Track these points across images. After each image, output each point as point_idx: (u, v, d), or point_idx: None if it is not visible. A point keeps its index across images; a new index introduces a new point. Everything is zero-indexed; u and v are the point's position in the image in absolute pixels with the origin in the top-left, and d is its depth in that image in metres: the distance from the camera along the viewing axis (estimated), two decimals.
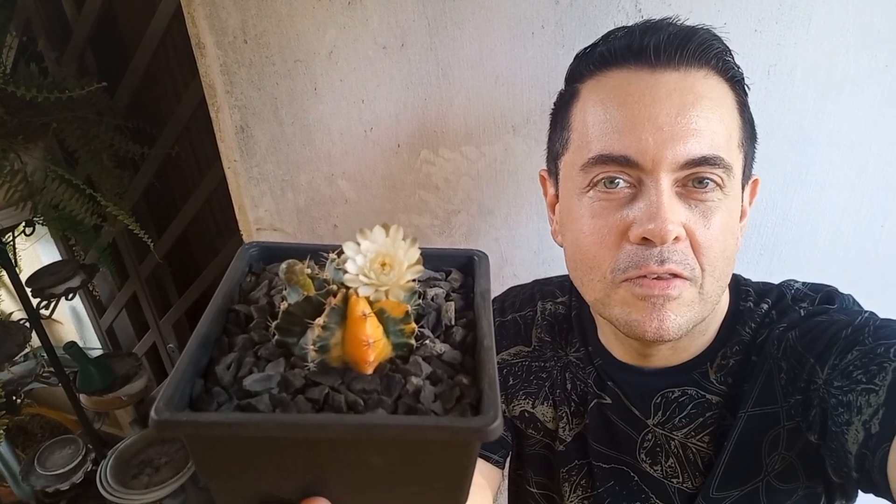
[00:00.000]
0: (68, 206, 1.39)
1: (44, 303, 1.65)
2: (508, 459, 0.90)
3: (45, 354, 1.69)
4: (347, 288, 0.39)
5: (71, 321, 2.24)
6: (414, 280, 0.39)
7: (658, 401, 0.74)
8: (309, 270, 0.41)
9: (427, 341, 0.42)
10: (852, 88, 0.86)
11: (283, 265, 0.41)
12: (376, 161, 1.01)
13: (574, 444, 0.81)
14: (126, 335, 2.14)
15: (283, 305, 0.39)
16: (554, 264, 1.05)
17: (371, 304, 0.38)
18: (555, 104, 0.76)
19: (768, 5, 0.82)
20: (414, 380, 0.38)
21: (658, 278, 0.62)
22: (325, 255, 0.41)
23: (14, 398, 1.98)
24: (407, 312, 0.39)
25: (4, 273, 1.59)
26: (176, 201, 1.74)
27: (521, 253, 1.06)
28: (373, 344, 0.38)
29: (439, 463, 0.38)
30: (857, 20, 0.82)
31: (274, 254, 0.50)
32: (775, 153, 0.92)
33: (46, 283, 1.61)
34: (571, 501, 0.82)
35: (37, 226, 1.64)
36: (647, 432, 0.75)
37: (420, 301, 0.44)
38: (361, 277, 0.37)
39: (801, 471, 0.67)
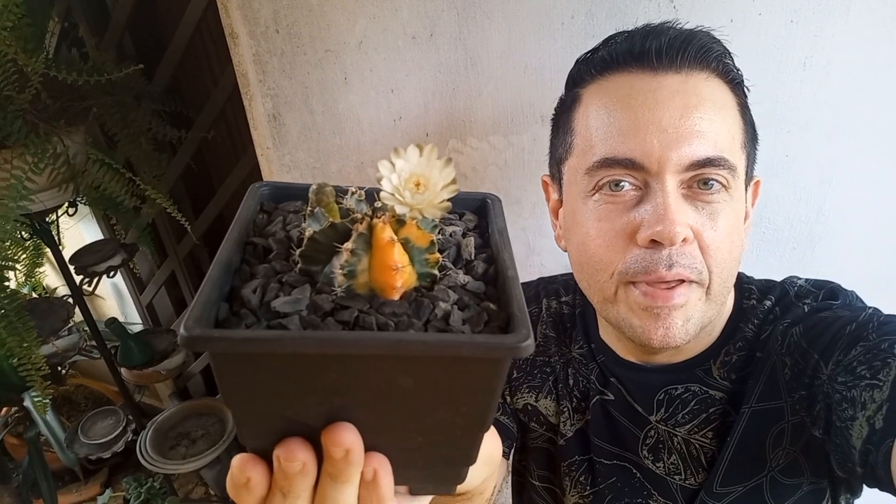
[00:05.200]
0: (108, 188, 1.43)
1: (86, 280, 1.71)
2: (512, 451, 0.91)
3: (87, 329, 1.76)
4: (372, 216, 0.39)
5: (113, 297, 2.32)
6: (449, 200, 0.39)
7: (661, 397, 0.74)
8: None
9: (450, 272, 0.42)
10: (891, 81, 0.84)
11: (314, 186, 0.41)
12: None
13: (575, 440, 0.82)
14: (165, 311, 2.21)
15: (308, 233, 0.39)
16: None
17: (396, 232, 0.38)
18: (556, 109, 0.76)
19: None
20: (442, 305, 0.38)
21: (664, 286, 0.62)
22: (344, 188, 0.42)
23: (59, 369, 2.07)
24: (432, 242, 0.39)
25: (49, 251, 1.65)
26: (213, 183, 1.77)
27: (548, 242, 1.06)
28: (401, 269, 0.38)
29: (469, 384, 0.37)
30: None
31: (284, 193, 0.50)
32: (810, 146, 0.90)
33: (88, 261, 1.66)
34: (572, 496, 0.83)
35: (79, 206, 1.69)
36: (650, 429, 0.75)
37: (440, 236, 0.44)
38: (396, 196, 0.37)
39: (805, 466, 0.67)
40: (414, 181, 0.38)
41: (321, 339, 0.34)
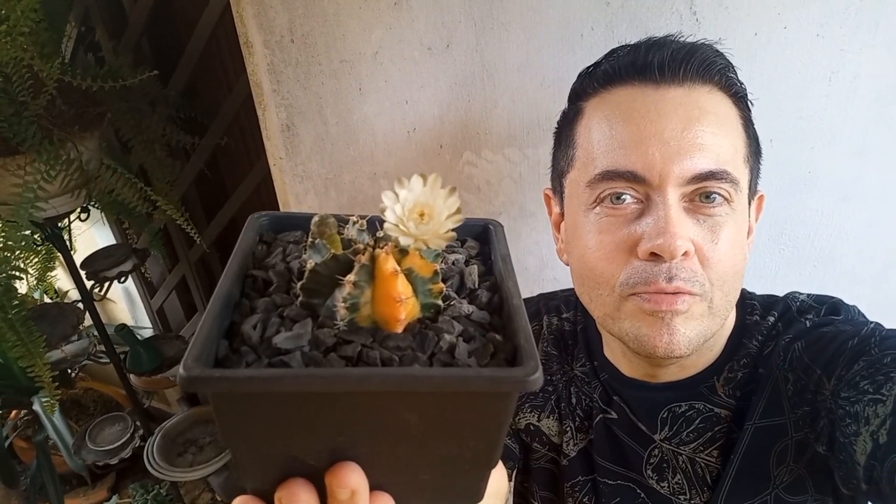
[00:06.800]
0: (121, 194, 1.43)
1: (97, 285, 1.71)
2: (514, 472, 0.89)
3: (97, 334, 1.75)
4: (374, 247, 0.38)
5: (123, 301, 2.32)
6: (453, 230, 0.38)
7: (665, 415, 0.73)
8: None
9: (454, 302, 0.41)
10: None
11: (316, 218, 0.41)
12: (419, 162, 1.00)
13: (578, 460, 0.81)
14: (175, 316, 2.21)
15: (310, 265, 0.38)
16: None
17: (398, 262, 0.38)
18: (558, 123, 0.76)
19: (832, 9, 0.78)
20: (447, 337, 0.38)
21: (666, 293, 0.61)
22: (346, 217, 0.41)
23: (69, 372, 2.07)
24: (435, 272, 0.39)
25: (61, 256, 1.65)
26: (226, 189, 1.77)
27: None
28: (405, 301, 0.37)
29: (476, 419, 0.37)
30: None
31: (284, 223, 0.50)
32: (834, 163, 0.88)
33: (100, 266, 1.66)
34: None
35: (92, 210, 1.69)
36: (654, 448, 0.74)
37: (442, 265, 0.43)
38: (400, 227, 0.37)
39: (809, 483, 0.66)
40: (418, 211, 0.37)
41: (324, 376, 0.34)
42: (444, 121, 0.96)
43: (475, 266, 0.45)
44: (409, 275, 0.38)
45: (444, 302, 0.41)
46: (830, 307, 0.70)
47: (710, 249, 0.62)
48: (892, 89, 0.82)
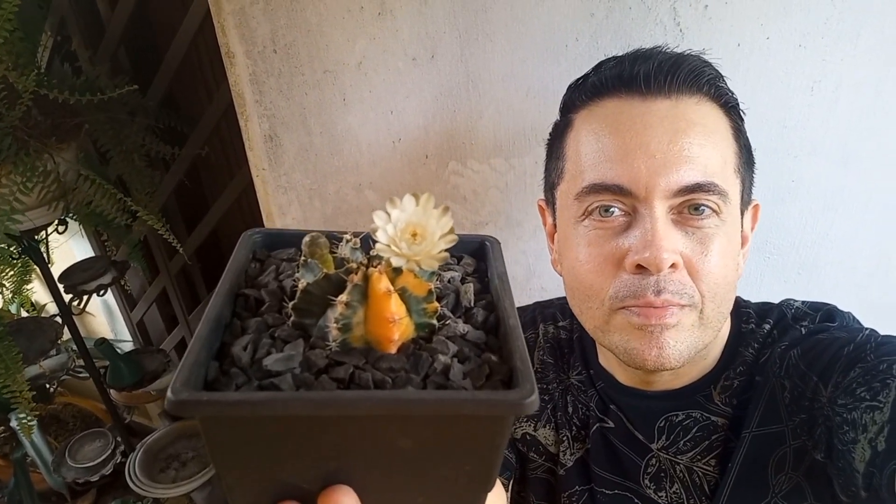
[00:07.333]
0: (100, 206, 1.41)
1: (75, 298, 1.68)
2: (511, 483, 0.88)
3: (76, 349, 1.72)
4: (367, 266, 0.38)
5: (103, 314, 2.28)
6: (447, 250, 0.38)
7: (662, 424, 0.73)
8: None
9: (449, 321, 0.41)
10: None
11: (307, 238, 0.40)
12: (404, 172, 1.00)
13: (575, 469, 0.80)
14: (156, 329, 2.17)
15: (301, 284, 0.38)
16: None
17: (392, 281, 0.37)
18: (550, 134, 0.76)
19: (814, 20, 0.79)
20: (441, 357, 0.37)
21: (654, 307, 0.61)
22: (339, 235, 0.41)
23: (47, 387, 2.02)
24: (430, 291, 0.39)
25: (38, 269, 1.62)
26: (207, 199, 1.75)
27: (549, 265, 1.04)
28: (398, 321, 0.37)
29: (471, 442, 0.36)
30: None
31: (277, 240, 0.49)
32: (817, 172, 0.89)
33: (78, 279, 1.63)
34: None
35: (70, 222, 1.66)
36: (652, 457, 0.74)
37: (438, 283, 0.43)
38: (392, 248, 0.36)
39: (808, 491, 0.66)
40: (410, 231, 0.37)
41: (314, 400, 0.33)
42: (429, 131, 0.96)
43: (471, 284, 0.45)
44: (403, 294, 0.38)
45: (438, 321, 0.40)
46: (825, 314, 0.71)
47: (700, 261, 0.62)
48: (874, 99, 0.83)
